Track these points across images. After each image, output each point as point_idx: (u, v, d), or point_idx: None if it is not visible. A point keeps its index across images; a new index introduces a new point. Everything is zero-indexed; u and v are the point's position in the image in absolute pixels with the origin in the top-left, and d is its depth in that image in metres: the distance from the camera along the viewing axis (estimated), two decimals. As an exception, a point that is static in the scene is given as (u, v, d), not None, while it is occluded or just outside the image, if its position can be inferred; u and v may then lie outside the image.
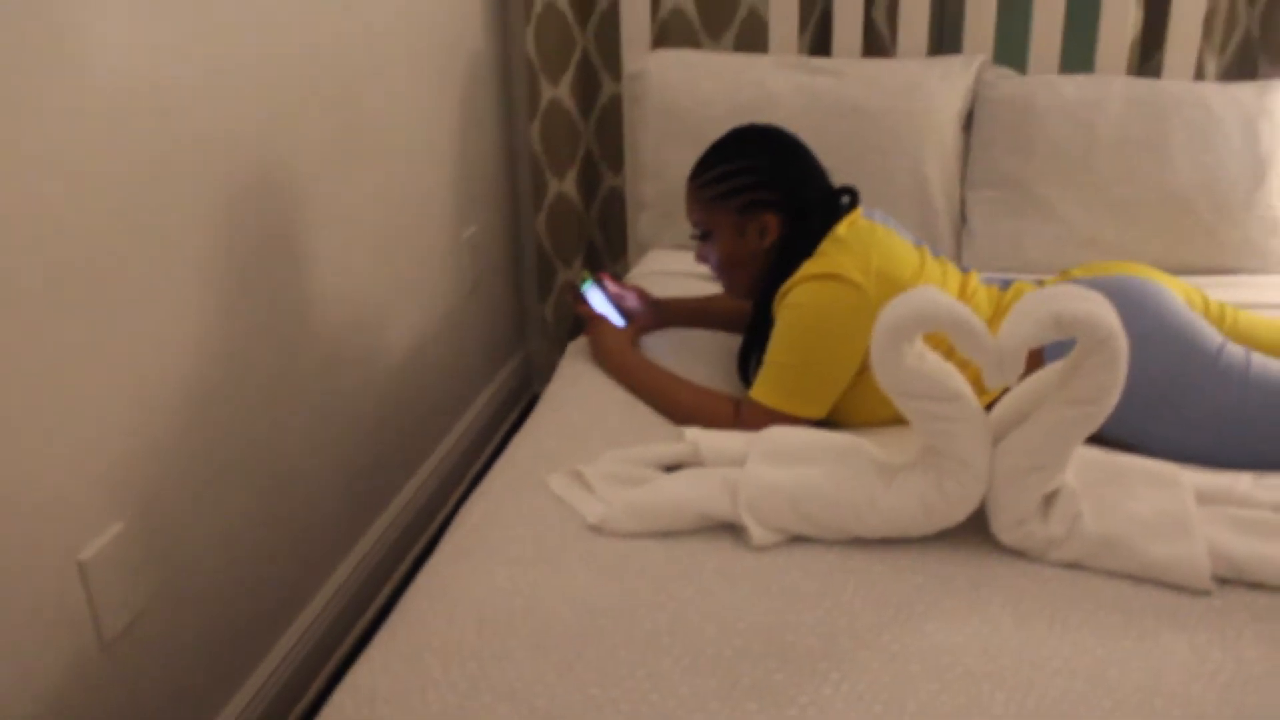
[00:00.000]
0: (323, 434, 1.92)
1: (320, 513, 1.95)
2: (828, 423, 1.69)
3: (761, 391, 1.66)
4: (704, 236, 1.80)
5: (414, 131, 2.23)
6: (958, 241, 2.37)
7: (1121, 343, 1.26)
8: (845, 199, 1.77)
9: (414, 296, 2.27)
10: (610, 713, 1.09)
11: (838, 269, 1.64)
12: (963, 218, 2.38)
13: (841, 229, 1.71)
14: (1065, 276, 1.81)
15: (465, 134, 2.48)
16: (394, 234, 2.16)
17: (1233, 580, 1.29)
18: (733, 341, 1.90)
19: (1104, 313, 1.27)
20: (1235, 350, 1.61)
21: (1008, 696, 1.11)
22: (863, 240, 1.69)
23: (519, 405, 2.97)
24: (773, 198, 1.73)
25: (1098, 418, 1.29)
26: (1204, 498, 1.38)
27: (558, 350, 2.86)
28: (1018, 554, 1.34)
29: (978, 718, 1.08)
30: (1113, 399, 1.28)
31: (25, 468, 1.28)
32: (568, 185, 2.68)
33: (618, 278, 2.28)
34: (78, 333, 1.34)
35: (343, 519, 2.04)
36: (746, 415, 1.66)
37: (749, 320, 1.80)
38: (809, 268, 1.67)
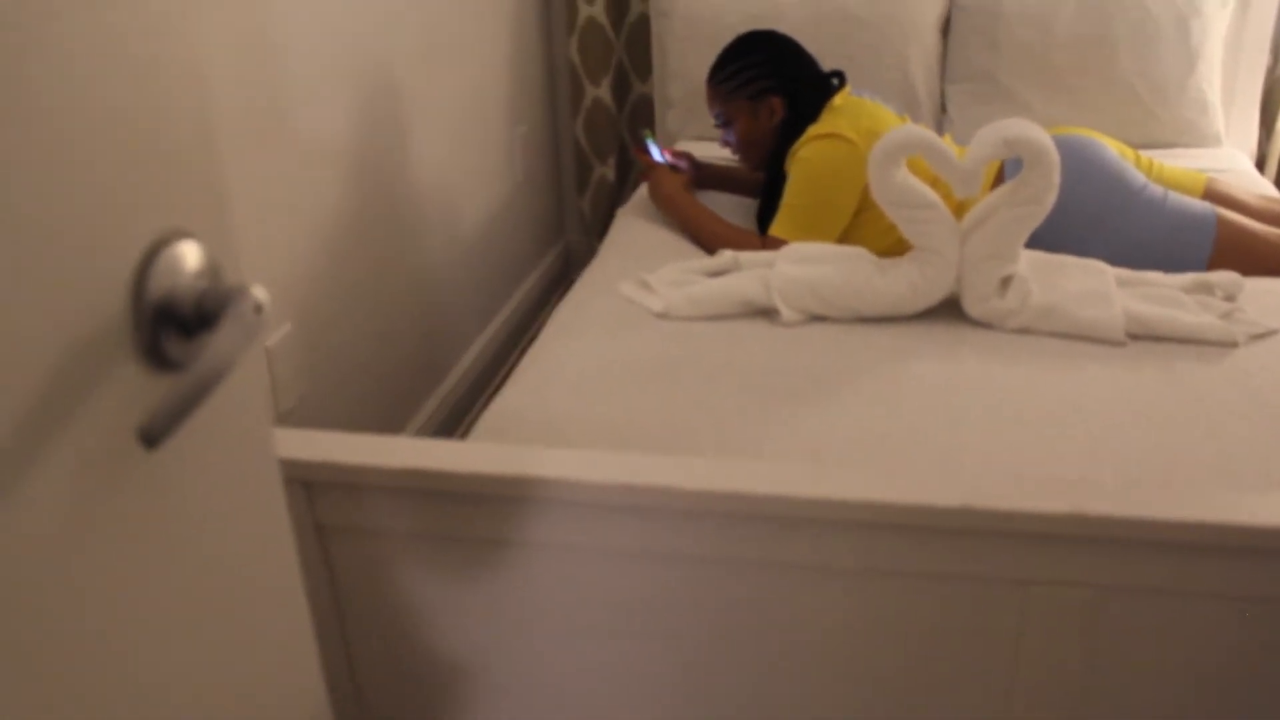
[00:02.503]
0: (411, 279, 2.37)
1: (416, 345, 2.39)
2: (834, 252, 2.13)
3: (780, 227, 2.10)
4: (725, 124, 2.24)
5: (478, 42, 2.65)
6: (938, 127, 2.80)
7: (1054, 157, 1.69)
8: (835, 80, 2.20)
9: (480, 178, 2.70)
10: (691, 412, 1.53)
11: (836, 129, 2.07)
12: (942, 107, 2.81)
13: (836, 101, 2.15)
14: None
15: (516, 46, 2.90)
16: (464, 125, 2.59)
17: (1142, 336, 1.73)
18: (751, 204, 2.34)
19: (1041, 135, 1.70)
20: (1155, 189, 2.05)
21: (975, 398, 1.55)
22: (854, 109, 2.13)
23: (560, 290, 3.40)
24: (776, 84, 2.17)
25: (1039, 215, 1.72)
26: (1123, 282, 1.83)
27: (594, 240, 3.29)
28: (983, 324, 1.78)
29: (956, 416, 1.52)
30: (1049, 199, 1.72)
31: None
32: (603, 91, 3.10)
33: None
34: (262, 178, 1.77)
35: (430, 355, 2.49)
36: (770, 246, 2.10)
37: (764, 184, 2.24)
38: (812, 131, 2.10)
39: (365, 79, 2.08)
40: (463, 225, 2.61)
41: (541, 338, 1.81)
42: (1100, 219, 2.01)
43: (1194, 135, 2.67)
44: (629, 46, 3.15)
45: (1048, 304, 1.75)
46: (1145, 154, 2.25)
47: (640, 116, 3.22)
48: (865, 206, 2.08)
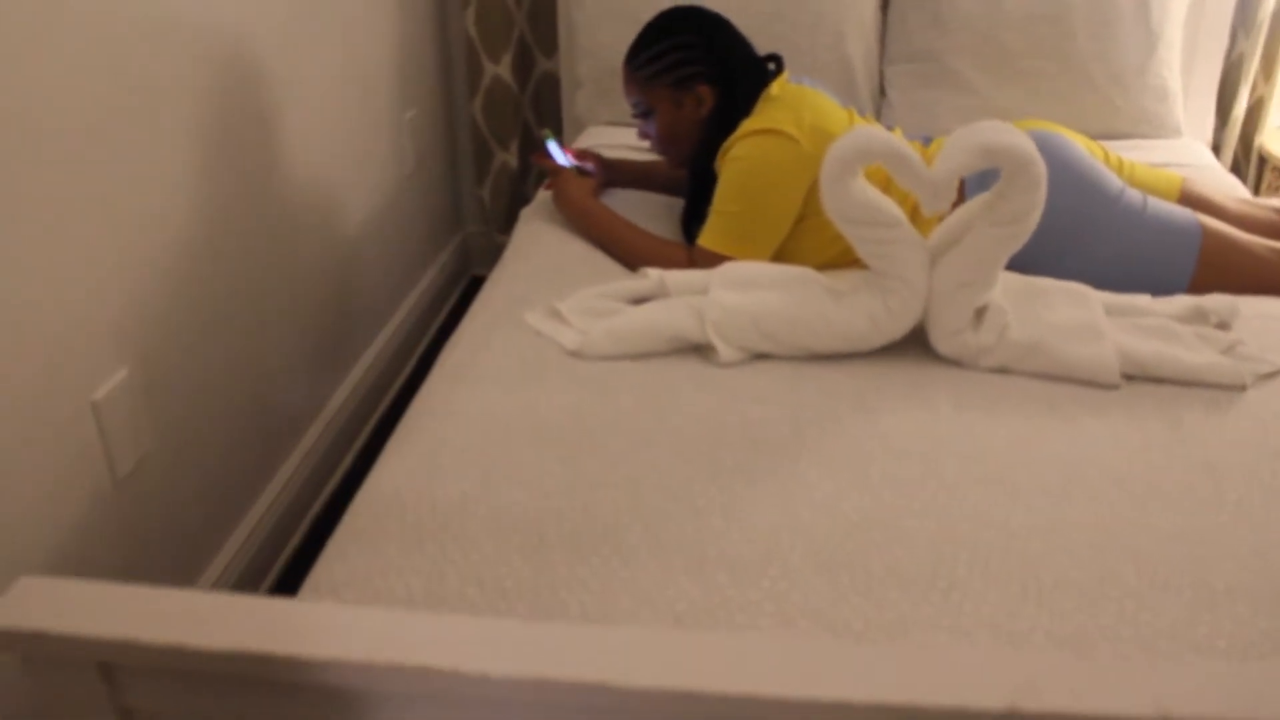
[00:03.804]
0: (291, 291, 2.03)
1: (296, 365, 2.06)
2: (772, 267, 1.85)
3: (710, 238, 1.81)
4: (645, 114, 1.93)
5: (358, 16, 2.30)
6: (877, 113, 2.53)
7: (1041, 169, 1.43)
8: (771, 65, 1.91)
9: (363, 172, 2.36)
10: (613, 493, 1.24)
11: (774, 124, 1.78)
12: (882, 90, 2.54)
13: (774, 90, 1.86)
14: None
15: (403, 19, 2.55)
16: (344, 113, 2.24)
17: (1138, 376, 1.48)
18: (674, 204, 2.04)
19: (1025, 143, 1.43)
20: (1134, 194, 1.80)
21: (958, 465, 1.28)
22: (794, 99, 1.84)
23: (459, 286, 3.08)
24: (705, 70, 1.87)
25: (1021, 237, 1.46)
26: (1111, 310, 1.57)
27: (495, 232, 2.97)
28: (954, 362, 1.52)
29: (931, 481, 1.25)
30: (1034, 219, 1.45)
31: (41, 313, 1.36)
32: (503, 69, 2.78)
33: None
34: (84, 192, 1.42)
35: (315, 372, 2.16)
36: (698, 261, 1.81)
37: (690, 182, 1.95)
38: (747, 125, 1.81)
39: (218, 62, 1.73)
40: (344, 228, 2.27)
41: (428, 386, 1.50)
42: (1075, 231, 1.76)
43: (1153, 125, 2.44)
44: (532, 19, 2.82)
45: (1029, 340, 1.49)
46: (1110, 148, 2.00)
47: (545, 96, 2.90)
48: (808, 213, 1.80)
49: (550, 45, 2.81)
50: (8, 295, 1.29)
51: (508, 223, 2.86)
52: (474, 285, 3.08)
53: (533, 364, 1.51)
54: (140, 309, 1.56)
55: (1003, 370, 1.50)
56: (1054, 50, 2.40)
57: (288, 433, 2.06)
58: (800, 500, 1.22)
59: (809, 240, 1.81)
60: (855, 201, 1.48)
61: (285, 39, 1.95)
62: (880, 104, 2.53)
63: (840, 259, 1.76)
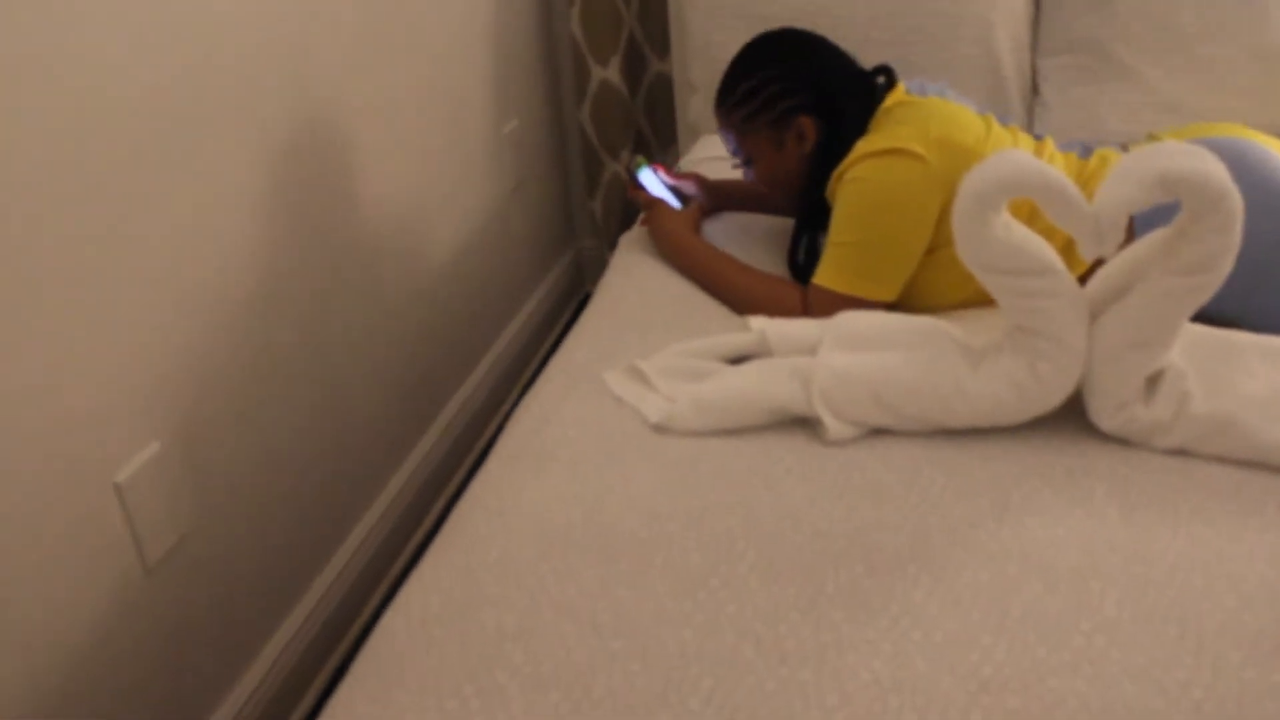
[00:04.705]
0: (369, 345, 1.84)
1: (369, 427, 1.87)
2: (898, 309, 1.58)
3: (826, 275, 1.55)
4: (747, 162, 1.70)
5: (446, 23, 2.10)
6: (1030, 113, 2.22)
7: (1236, 203, 1.13)
8: (880, 79, 1.65)
9: (455, 198, 2.16)
10: (683, 627, 1.00)
11: (895, 142, 1.52)
12: (1034, 87, 2.23)
13: (890, 104, 1.60)
14: (1152, 141, 1.67)
15: (499, 22, 2.34)
16: (431, 133, 2.04)
17: (1361, 462, 1.17)
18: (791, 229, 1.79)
19: (1215, 170, 1.13)
20: (1348, 214, 1.47)
21: (1121, 596, 1.00)
22: (916, 111, 1.57)
23: (571, 305, 2.87)
24: (802, 100, 1.62)
25: (1209, 288, 1.17)
26: (1325, 373, 1.26)
27: (608, 247, 2.75)
28: (1120, 441, 1.23)
29: (1090, 621, 0.98)
30: (1226, 267, 1.16)
31: (56, 385, 1.20)
32: (611, 72, 2.55)
33: (670, 166, 2.17)
34: (113, 240, 1.25)
35: (393, 432, 1.96)
36: (813, 303, 1.55)
37: (799, 216, 1.70)
38: (863, 146, 1.55)
39: (274, 91, 1.54)
40: (431, 260, 2.07)
41: (485, 470, 1.28)
42: (1273, 261, 1.44)
43: (1368, 117, 2.07)
44: (642, 17, 2.58)
45: (1218, 415, 1.19)
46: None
47: (659, 101, 2.66)
48: (941, 243, 1.53)
49: (662, 46, 2.57)
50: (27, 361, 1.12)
51: (623, 233, 2.64)
52: (587, 303, 2.87)
53: (607, 440, 1.28)
54: (176, 374, 1.38)
55: (1183, 453, 1.21)
56: (1242, 33, 2.04)
57: (359, 498, 1.86)
58: (916, 645, 0.96)
59: (942, 275, 1.54)
60: (997, 246, 1.20)
61: (354, 58, 1.75)
62: (1033, 103, 2.21)
63: (980, 296, 1.47)
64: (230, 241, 1.46)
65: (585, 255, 2.90)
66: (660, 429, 1.30)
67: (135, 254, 1.29)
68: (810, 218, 1.65)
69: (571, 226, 2.88)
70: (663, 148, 2.72)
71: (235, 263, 1.48)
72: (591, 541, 1.12)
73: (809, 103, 1.61)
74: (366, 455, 1.87)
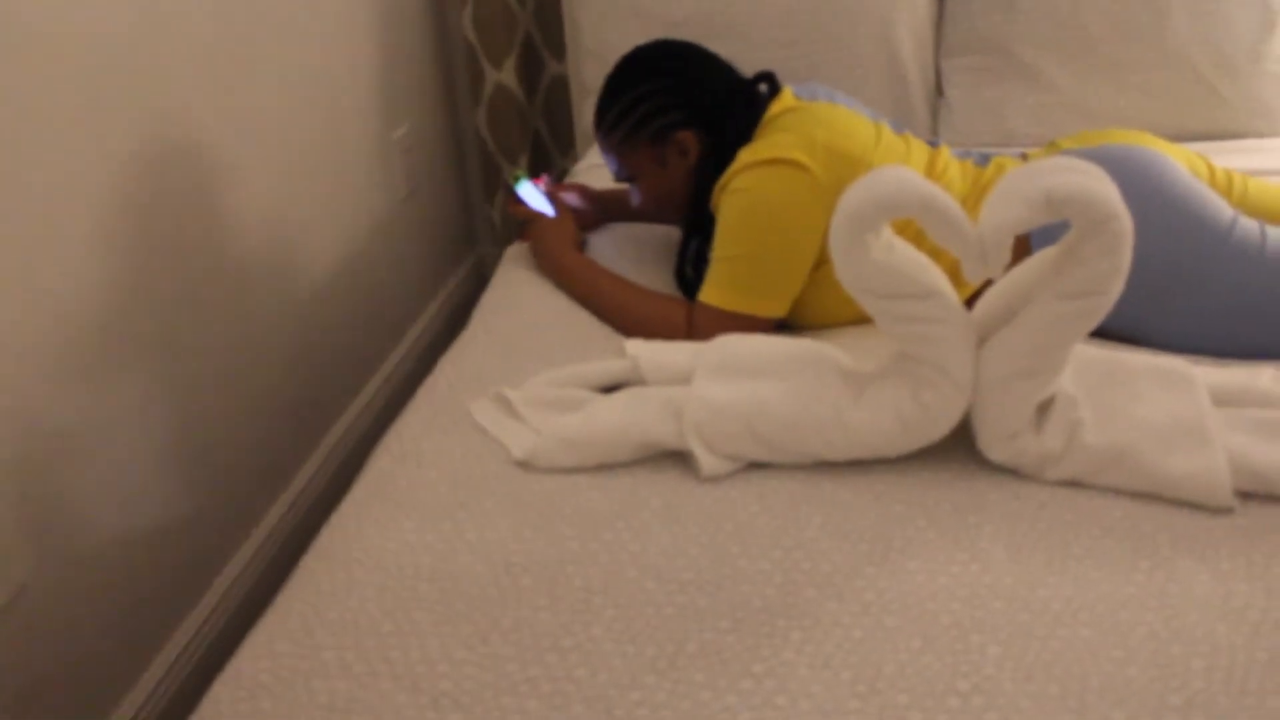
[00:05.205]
0: (232, 370, 1.71)
1: (236, 464, 1.73)
2: (785, 326, 1.51)
3: (712, 292, 1.47)
4: (630, 179, 1.62)
5: (321, 26, 1.98)
6: (934, 115, 2.16)
7: (1125, 224, 1.06)
8: (763, 86, 1.57)
9: (336, 208, 2.04)
10: (528, 695, 0.91)
11: (777, 151, 1.45)
12: (938, 89, 2.16)
13: (774, 111, 1.52)
14: (1053, 148, 1.61)
15: (385, 25, 2.23)
16: (303, 141, 1.92)
17: (1258, 495, 1.10)
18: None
19: (1104, 188, 1.07)
20: (1249, 225, 1.41)
21: (1002, 651, 0.93)
22: (801, 118, 1.50)
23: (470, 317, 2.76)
24: (681, 114, 1.55)
25: (1099, 312, 1.10)
26: (1221, 398, 1.19)
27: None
28: (1009, 473, 1.16)
29: (968, 680, 0.90)
30: (1116, 289, 1.09)
31: None
32: (507, 75, 2.45)
33: (561, 176, 2.08)
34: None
35: (267, 463, 1.84)
36: (698, 321, 1.47)
37: (684, 231, 1.62)
38: (745, 156, 1.48)
39: (116, 99, 1.42)
40: (308, 277, 1.94)
41: (337, 515, 1.18)
42: (1171, 280, 1.38)
43: (1271, 121, 2.02)
44: (538, 17, 2.48)
45: (1110, 445, 1.13)
46: (1218, 159, 1.60)
47: (556, 104, 2.56)
48: (827, 257, 1.44)
49: (561, 47, 2.47)
50: None
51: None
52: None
53: (466, 480, 1.19)
54: (6, 406, 1.26)
55: (1075, 484, 1.14)
56: (1147, 35, 1.99)
57: (227, 538, 1.73)
58: (780, 711, 0.88)
59: (830, 291, 1.45)
60: (876, 267, 1.13)
61: (209, 64, 1.63)
62: (938, 105, 2.15)
63: (867, 316, 1.41)
64: (65, 265, 1.34)
65: (486, 263, 2.80)
66: (524, 465, 1.21)
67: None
68: (696, 229, 1.57)
69: (470, 234, 2.77)
70: (562, 152, 2.62)
71: (71, 294, 1.35)
72: (438, 598, 1.02)
73: (687, 117, 1.54)
74: (236, 489, 1.74)
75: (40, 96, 1.30)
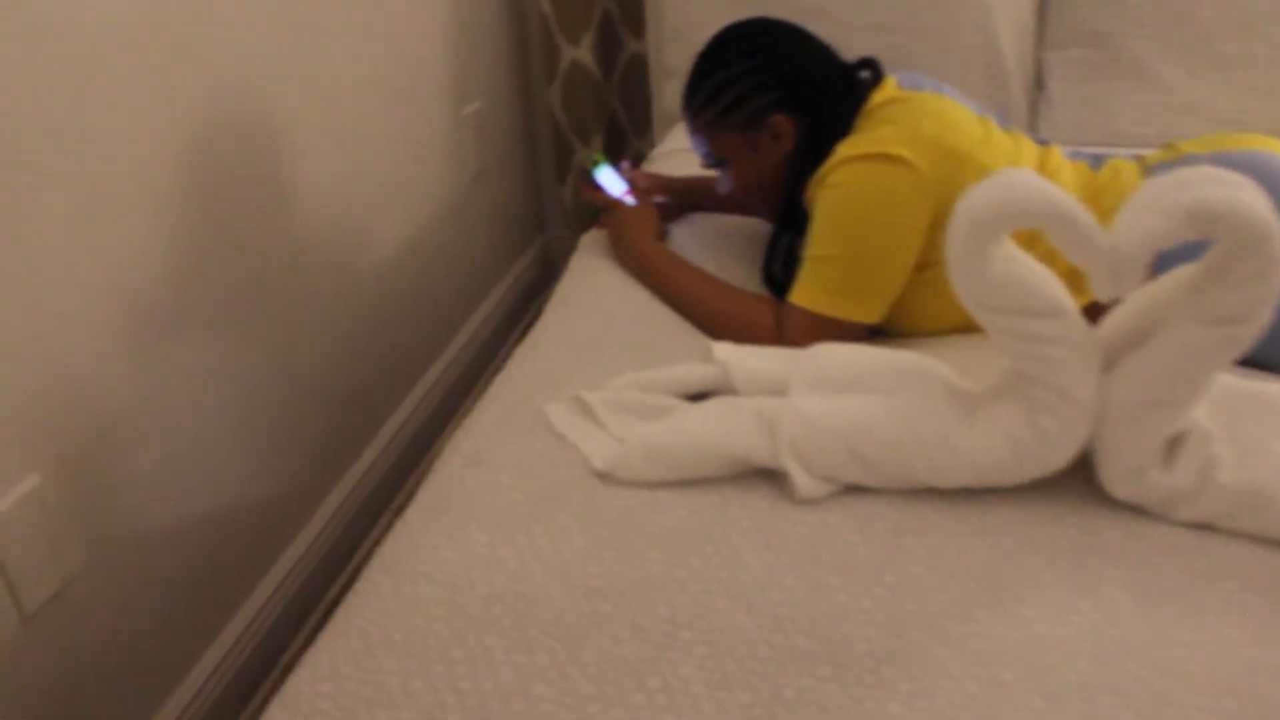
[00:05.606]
0: (293, 356, 1.65)
1: (294, 450, 1.67)
2: (883, 333, 1.42)
3: (803, 293, 1.38)
4: (719, 164, 1.52)
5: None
6: (1033, 110, 2.05)
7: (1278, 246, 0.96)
8: (865, 73, 1.47)
9: (405, 188, 1.98)
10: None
11: (880, 145, 1.35)
12: (1039, 82, 2.05)
13: (877, 100, 1.42)
14: (1171, 151, 1.50)
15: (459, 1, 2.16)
16: (374, 117, 1.85)
17: None
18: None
19: (1257, 206, 0.96)
20: (1390, 240, 1.30)
21: (1138, 714, 0.84)
22: (906, 110, 1.40)
23: (539, 300, 2.69)
24: (776, 96, 1.45)
25: (1244, 341, 1.00)
26: (1370, 434, 1.09)
27: (580, 237, 2.58)
28: (1133, 510, 1.06)
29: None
30: (1264, 316, 0.99)
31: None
32: (583, 52, 2.36)
33: (637, 160, 1.99)
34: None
35: (323, 453, 1.77)
36: (788, 323, 1.39)
37: (776, 220, 1.53)
38: (844, 150, 1.38)
39: (179, 74, 1.36)
40: (373, 259, 1.88)
41: (401, 524, 1.11)
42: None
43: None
44: (618, -8, 2.40)
45: (1248, 485, 1.03)
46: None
47: (633, 84, 2.47)
48: (930, 261, 1.36)
49: (639, 24, 2.38)
50: None
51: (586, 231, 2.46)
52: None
53: (540, 491, 1.11)
54: (61, 394, 1.20)
55: (1206, 527, 1.04)
56: (1267, 29, 1.88)
57: (279, 534, 1.67)
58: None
59: (932, 297, 1.37)
60: (997, 280, 1.03)
61: (279, 38, 1.56)
62: (1037, 99, 2.04)
63: (974, 324, 1.31)
64: (125, 248, 1.28)
65: (555, 246, 2.73)
66: (605, 477, 1.13)
67: (9, 263, 1.11)
68: (788, 224, 1.48)
69: (539, 217, 2.70)
70: (638, 134, 2.54)
71: (131, 272, 1.29)
72: (512, 622, 0.95)
73: (783, 99, 1.44)
74: (294, 476, 1.69)
75: (103, 72, 1.23)
